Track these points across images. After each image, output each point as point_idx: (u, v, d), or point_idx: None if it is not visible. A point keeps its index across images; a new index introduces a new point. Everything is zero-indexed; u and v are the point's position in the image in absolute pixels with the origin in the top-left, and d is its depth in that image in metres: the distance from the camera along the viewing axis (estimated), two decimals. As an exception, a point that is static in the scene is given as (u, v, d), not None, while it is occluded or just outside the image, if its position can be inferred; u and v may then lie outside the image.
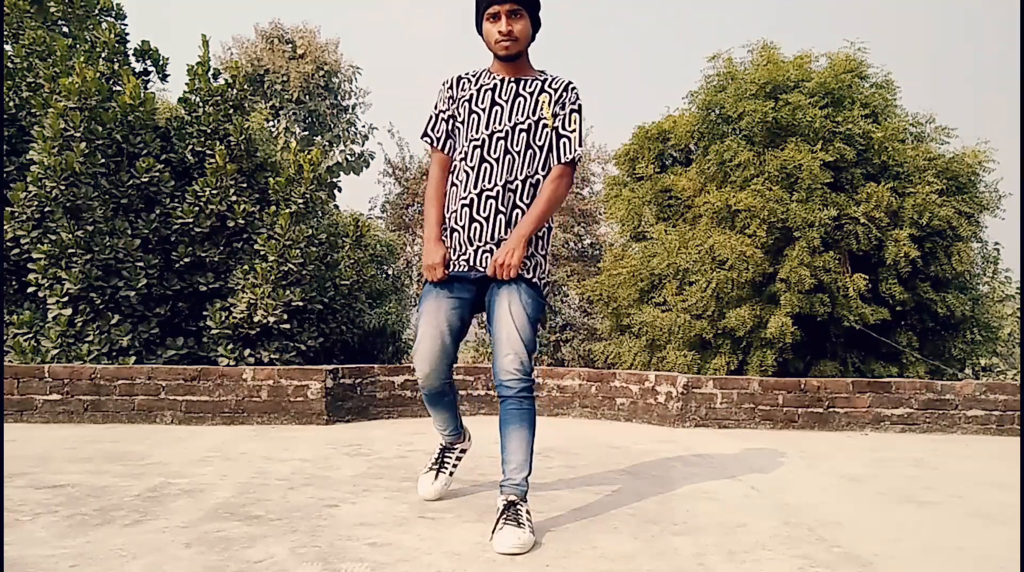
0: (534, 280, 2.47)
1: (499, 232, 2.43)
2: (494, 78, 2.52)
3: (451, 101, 2.55)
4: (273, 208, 5.50)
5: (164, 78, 6.38)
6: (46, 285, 5.05)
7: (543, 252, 2.52)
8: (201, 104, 5.80)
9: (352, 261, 6.22)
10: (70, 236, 4.96)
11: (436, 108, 2.59)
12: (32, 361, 4.94)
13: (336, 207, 11.72)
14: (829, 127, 6.58)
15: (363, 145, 20.50)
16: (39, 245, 5.03)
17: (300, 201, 5.62)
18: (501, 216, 2.44)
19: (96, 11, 6.65)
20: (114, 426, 4.32)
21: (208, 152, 5.66)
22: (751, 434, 4.53)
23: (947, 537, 2.46)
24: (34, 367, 4.45)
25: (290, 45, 19.81)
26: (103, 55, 5.92)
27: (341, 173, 19.57)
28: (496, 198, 2.44)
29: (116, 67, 5.86)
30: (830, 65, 6.98)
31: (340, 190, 19.14)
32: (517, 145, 2.45)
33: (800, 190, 6.39)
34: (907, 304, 6.59)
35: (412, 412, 4.87)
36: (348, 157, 20.06)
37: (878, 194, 6.39)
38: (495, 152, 2.45)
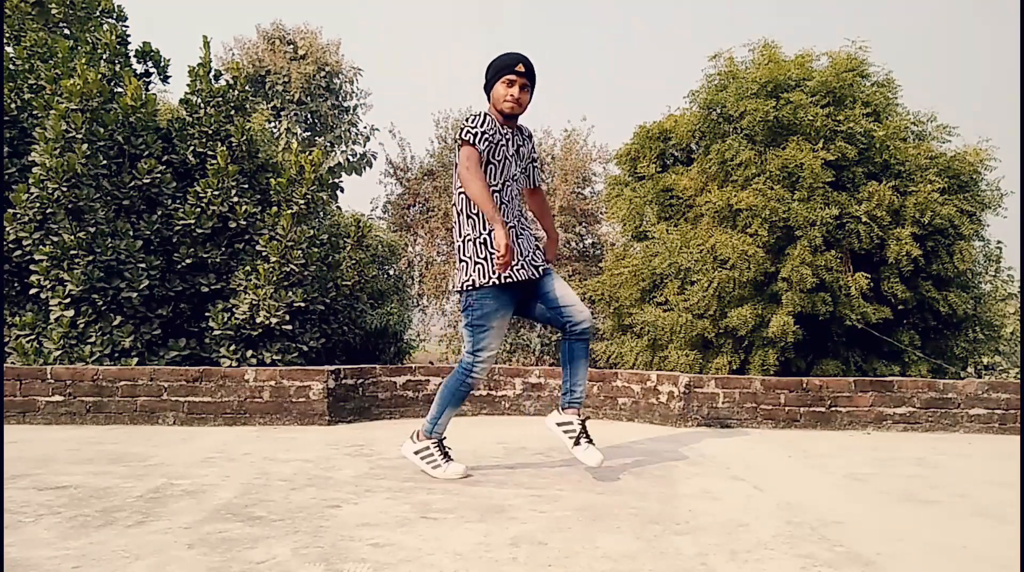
0: None
1: (530, 248, 3.15)
2: (506, 131, 3.18)
3: (489, 134, 3.08)
4: (275, 209, 5.50)
5: (165, 79, 6.39)
6: (48, 286, 5.06)
7: None
8: (202, 105, 5.80)
9: (354, 262, 6.22)
10: (72, 237, 4.97)
11: (480, 128, 3.06)
12: (34, 362, 4.94)
13: (338, 208, 11.73)
14: (830, 126, 6.57)
15: (364, 146, 20.50)
16: (41, 246, 5.04)
17: (302, 202, 5.63)
18: (530, 234, 3.20)
19: (97, 13, 6.65)
20: (116, 427, 4.32)
21: (210, 153, 5.67)
22: (753, 433, 4.52)
23: (950, 536, 2.46)
24: (36, 368, 4.46)
25: (291, 46, 19.82)
26: (104, 57, 5.93)
27: (343, 174, 19.57)
28: (517, 215, 3.16)
29: (117, 69, 5.87)
30: (831, 64, 6.97)
31: (342, 191, 19.13)
32: (521, 186, 3.25)
33: (802, 189, 6.38)
34: (909, 303, 6.58)
35: (414, 412, 4.87)
36: (349, 158, 20.05)
37: (880, 193, 6.38)
38: (515, 191, 3.18)
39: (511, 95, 3.09)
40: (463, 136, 3.04)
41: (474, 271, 3.03)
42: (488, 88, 3.18)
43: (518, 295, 3.12)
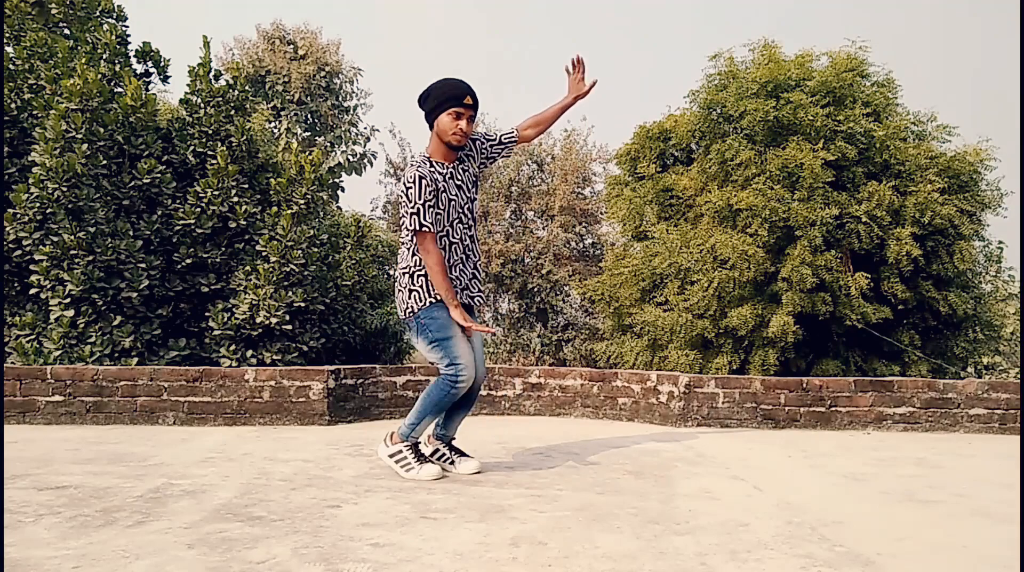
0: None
1: (469, 266, 3.20)
2: (447, 167, 3.13)
3: (434, 192, 3.04)
4: (275, 209, 5.51)
5: (165, 79, 6.39)
6: (48, 286, 5.06)
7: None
8: (202, 105, 5.80)
9: (354, 262, 6.22)
10: (72, 237, 4.97)
11: (422, 199, 3.01)
12: (34, 362, 4.94)
13: (338, 208, 11.73)
14: (831, 126, 6.57)
15: (364, 146, 20.48)
16: (41, 246, 5.04)
17: (302, 202, 5.63)
18: (469, 252, 3.20)
19: (97, 13, 6.66)
20: (116, 427, 4.32)
21: (210, 153, 5.67)
22: (753, 433, 4.52)
23: (950, 536, 2.46)
24: (36, 368, 4.46)
25: (291, 46, 19.81)
26: (104, 57, 5.93)
27: (343, 174, 19.56)
28: (465, 244, 3.18)
29: (117, 69, 5.87)
30: (831, 64, 6.98)
31: (342, 191, 19.13)
32: (467, 201, 3.18)
33: (802, 189, 6.38)
34: (909, 303, 6.58)
35: (414, 412, 4.87)
36: (350, 158, 20.04)
37: (880, 193, 6.38)
38: (458, 214, 3.14)
39: (459, 128, 3.04)
40: (413, 224, 3.01)
41: (410, 297, 3.09)
42: (432, 116, 3.09)
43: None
